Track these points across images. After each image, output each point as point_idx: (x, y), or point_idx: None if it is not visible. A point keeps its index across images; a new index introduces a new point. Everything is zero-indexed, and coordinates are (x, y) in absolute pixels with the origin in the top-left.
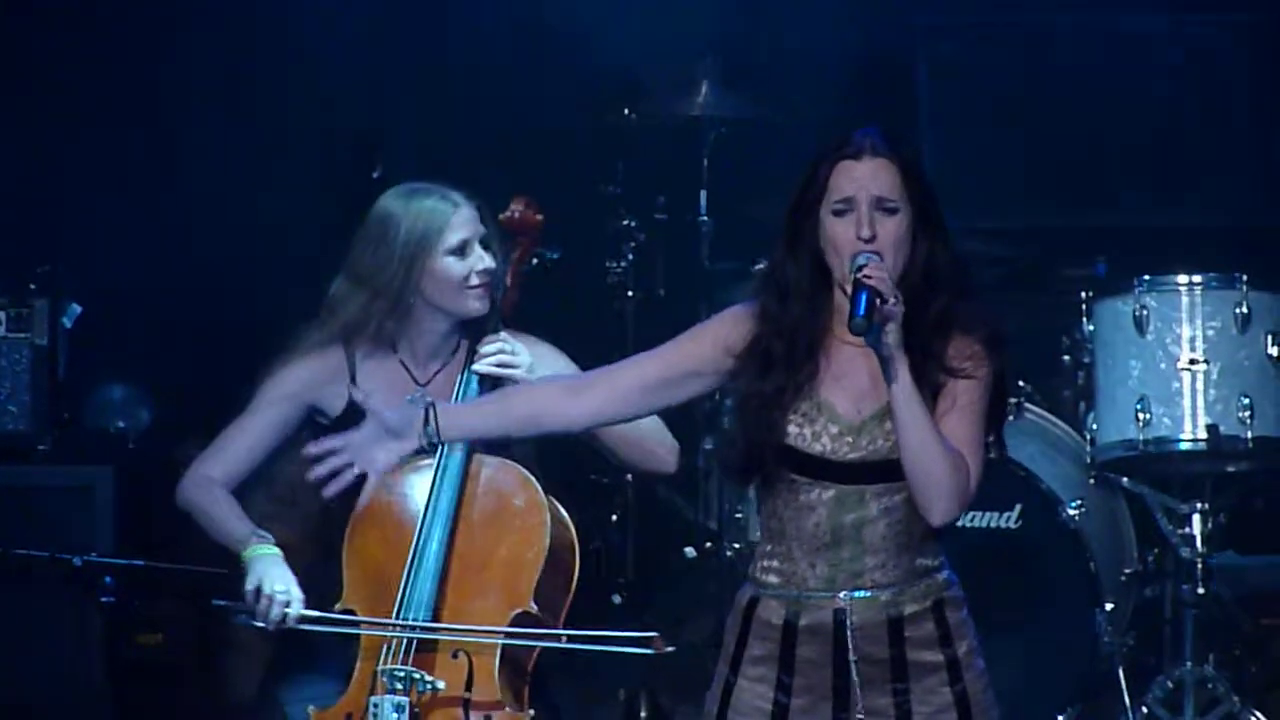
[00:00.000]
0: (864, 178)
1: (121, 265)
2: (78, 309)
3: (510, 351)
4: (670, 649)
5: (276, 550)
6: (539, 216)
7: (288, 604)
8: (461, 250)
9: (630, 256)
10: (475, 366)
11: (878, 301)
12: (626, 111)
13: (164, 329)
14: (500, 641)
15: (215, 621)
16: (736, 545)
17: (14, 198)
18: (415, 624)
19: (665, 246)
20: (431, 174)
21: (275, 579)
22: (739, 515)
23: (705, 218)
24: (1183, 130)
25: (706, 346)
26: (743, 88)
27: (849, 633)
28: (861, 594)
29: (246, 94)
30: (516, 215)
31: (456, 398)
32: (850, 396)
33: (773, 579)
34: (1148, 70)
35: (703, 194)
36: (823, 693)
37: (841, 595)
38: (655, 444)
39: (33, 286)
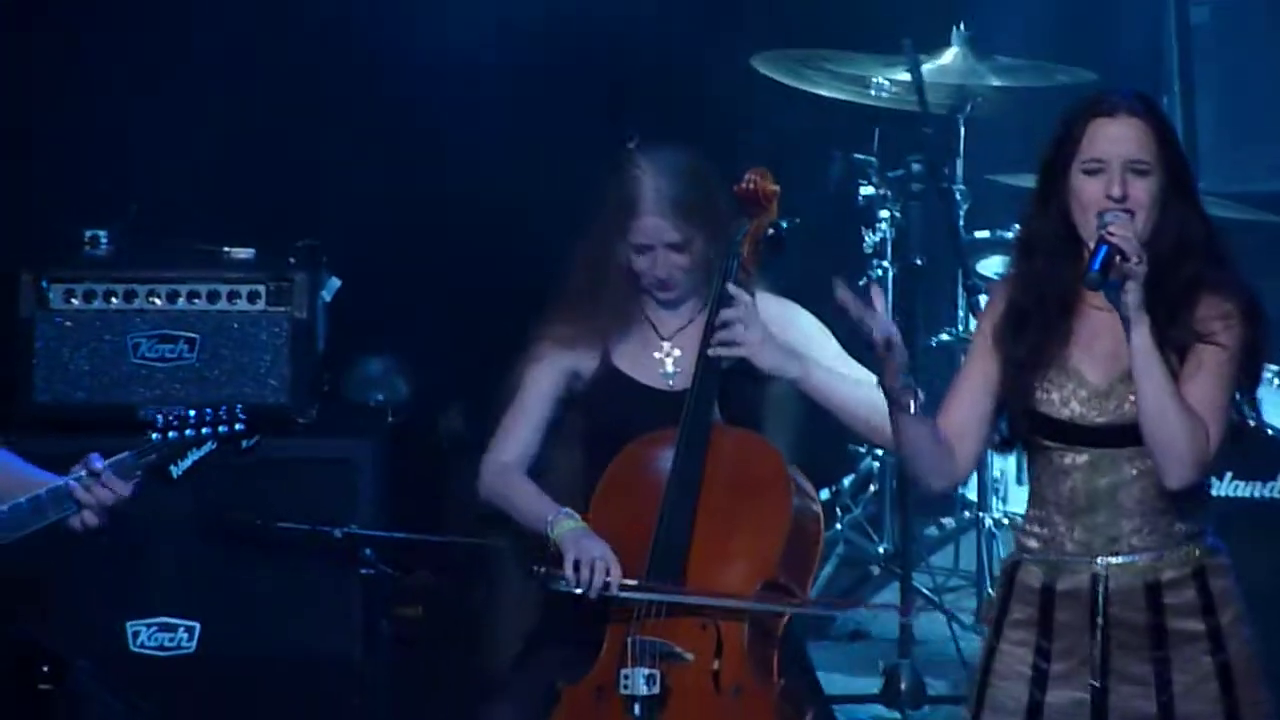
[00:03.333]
0: (1117, 137)
1: (377, 238)
2: (336, 282)
3: (740, 328)
4: (913, 618)
5: (584, 523)
6: (773, 188)
7: (608, 570)
8: (641, 250)
9: (886, 226)
10: (709, 352)
11: (1118, 259)
12: (881, 79)
13: (419, 301)
14: (759, 607)
15: (477, 590)
16: (995, 515)
17: (273, 173)
18: (712, 595)
19: (922, 215)
20: (681, 141)
21: (592, 548)
22: (998, 485)
23: (961, 186)
24: None
25: (989, 342)
26: (1000, 55)
27: (1102, 598)
28: (1119, 559)
29: (503, 60)
30: (750, 187)
31: (700, 356)
32: (1099, 360)
33: (1033, 543)
34: None
35: (959, 162)
36: (1081, 657)
37: (1099, 560)
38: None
39: (292, 260)
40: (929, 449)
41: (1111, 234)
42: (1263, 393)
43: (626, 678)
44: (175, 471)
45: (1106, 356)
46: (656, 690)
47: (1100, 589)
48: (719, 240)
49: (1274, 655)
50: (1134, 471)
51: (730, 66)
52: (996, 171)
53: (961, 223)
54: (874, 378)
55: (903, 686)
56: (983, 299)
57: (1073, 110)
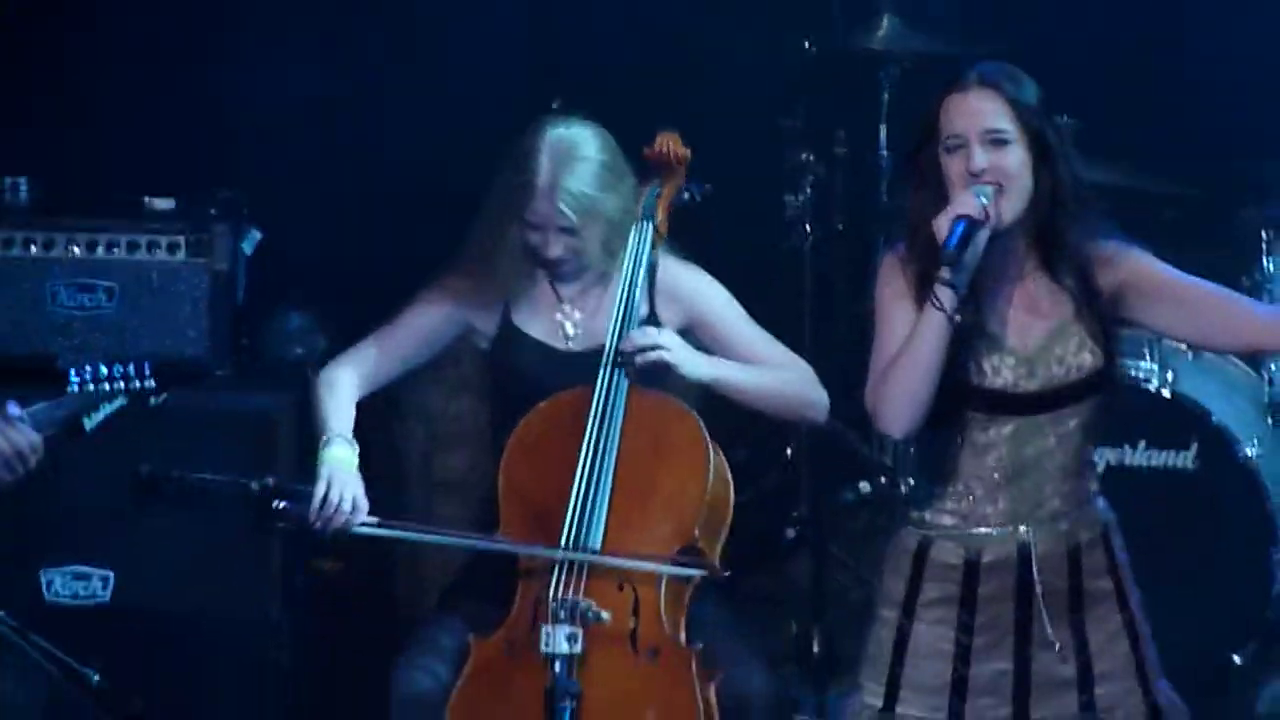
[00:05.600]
0: (971, 110)
1: (300, 191)
2: (258, 235)
3: (651, 345)
4: (726, 574)
5: (351, 455)
6: (684, 151)
7: (351, 512)
8: (534, 228)
9: (809, 191)
10: (622, 354)
11: (978, 232)
12: (807, 45)
13: (342, 256)
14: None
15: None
16: (911, 480)
17: (197, 124)
18: (479, 536)
19: (844, 182)
20: (606, 103)
21: (342, 485)
22: (913, 450)
23: (885, 153)
24: None
25: (909, 315)
26: (925, 23)
27: (1034, 565)
28: (1043, 526)
29: (425, 22)
30: (662, 150)
31: (615, 318)
32: (1016, 328)
33: (946, 520)
34: None
35: (882, 129)
36: (1005, 628)
37: (1023, 528)
38: (801, 405)
39: (213, 212)
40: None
41: (961, 210)
42: (1178, 362)
43: (548, 635)
44: (88, 425)
45: (1022, 323)
46: (578, 649)
47: (1030, 556)
48: (618, 224)
49: (1179, 621)
50: (1056, 437)
51: (654, 29)
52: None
53: (884, 190)
54: (782, 350)
55: (815, 650)
56: None
57: (937, 94)
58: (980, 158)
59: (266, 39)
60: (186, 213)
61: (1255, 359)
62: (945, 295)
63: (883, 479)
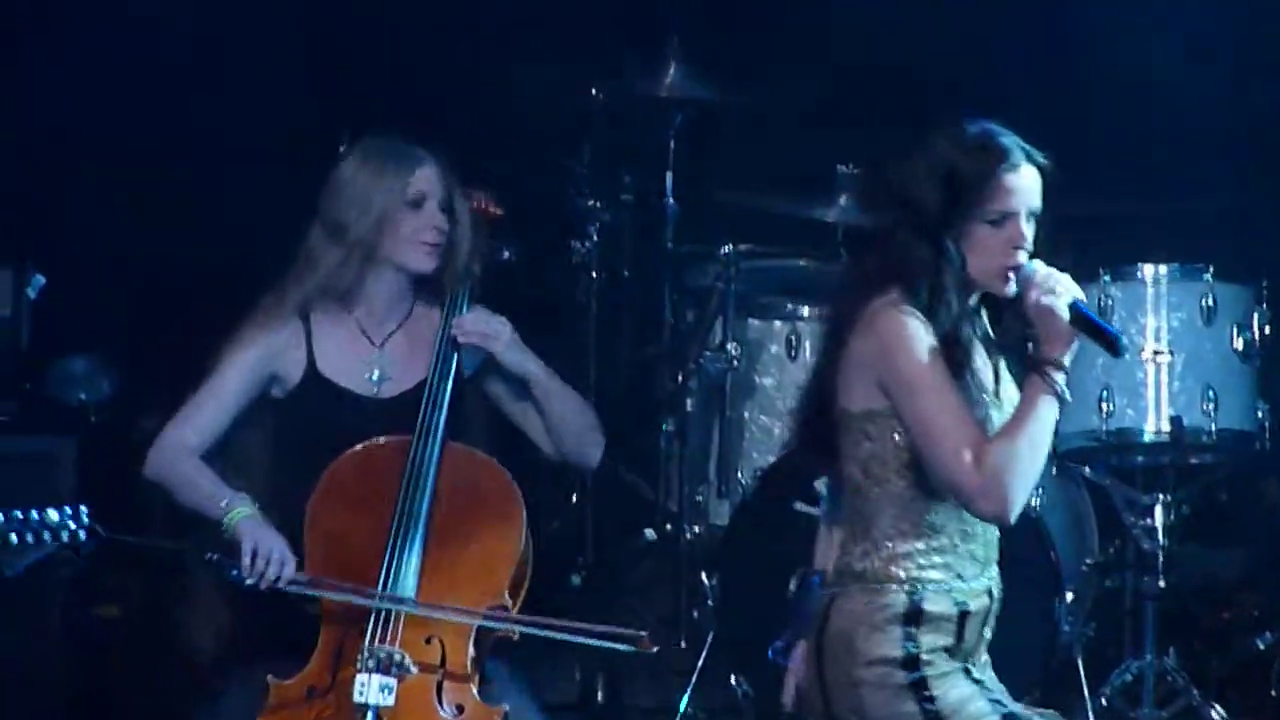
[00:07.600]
0: (1026, 189)
1: (86, 237)
2: (41, 280)
3: (491, 330)
4: (655, 649)
5: (259, 513)
6: (496, 211)
7: (283, 564)
8: (417, 203)
9: (595, 237)
10: (458, 336)
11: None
12: (594, 91)
13: (128, 302)
14: (498, 625)
15: (174, 593)
16: (696, 528)
17: None
18: (402, 598)
19: (631, 227)
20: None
21: (270, 540)
22: (699, 498)
23: (671, 200)
24: (1155, 114)
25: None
26: (711, 71)
27: (993, 608)
28: (995, 569)
29: (215, 67)
30: (478, 207)
31: (434, 368)
32: (987, 374)
33: (935, 574)
34: (1131, 58)
35: (669, 175)
36: None
37: (991, 573)
38: (588, 436)
39: None
40: None
41: (1077, 295)
42: None
43: (362, 685)
44: (8, 572)
45: (985, 369)
46: (391, 701)
47: (993, 603)
48: (471, 237)
49: None
50: None
51: (442, 68)
52: (707, 186)
53: (670, 236)
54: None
55: (599, 697)
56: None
57: (969, 159)
58: (1029, 233)
59: (48, 81)
60: None
61: None
62: (1061, 379)
63: (668, 526)
